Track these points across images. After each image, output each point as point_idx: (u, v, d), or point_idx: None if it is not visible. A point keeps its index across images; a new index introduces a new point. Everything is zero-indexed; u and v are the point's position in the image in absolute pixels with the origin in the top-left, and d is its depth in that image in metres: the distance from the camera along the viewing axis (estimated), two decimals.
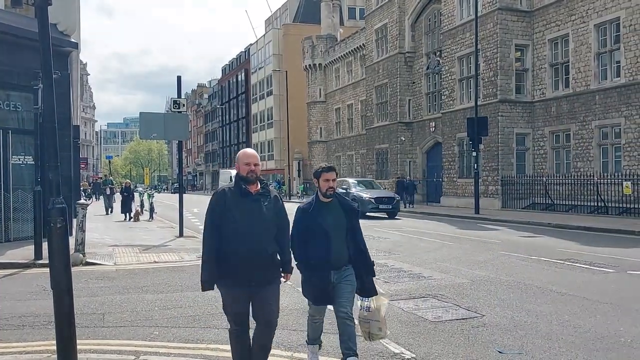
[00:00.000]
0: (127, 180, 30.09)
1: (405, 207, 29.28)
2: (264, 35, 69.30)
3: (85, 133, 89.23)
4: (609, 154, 23.80)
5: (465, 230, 17.90)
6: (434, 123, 34.84)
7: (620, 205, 21.38)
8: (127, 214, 23.99)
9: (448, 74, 31.29)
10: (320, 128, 54.10)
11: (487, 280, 8.97)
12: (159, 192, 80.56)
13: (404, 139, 37.42)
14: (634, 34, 22.32)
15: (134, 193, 26.95)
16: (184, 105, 16.60)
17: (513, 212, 24.68)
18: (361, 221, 5.10)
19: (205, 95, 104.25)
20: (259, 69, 69.33)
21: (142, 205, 25.95)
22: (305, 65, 54.34)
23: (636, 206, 20.93)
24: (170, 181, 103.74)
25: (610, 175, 22.72)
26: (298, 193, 48.38)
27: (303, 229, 4.52)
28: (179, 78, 16.70)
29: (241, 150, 4.22)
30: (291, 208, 4.56)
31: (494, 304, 7.31)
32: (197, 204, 39.06)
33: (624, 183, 21.31)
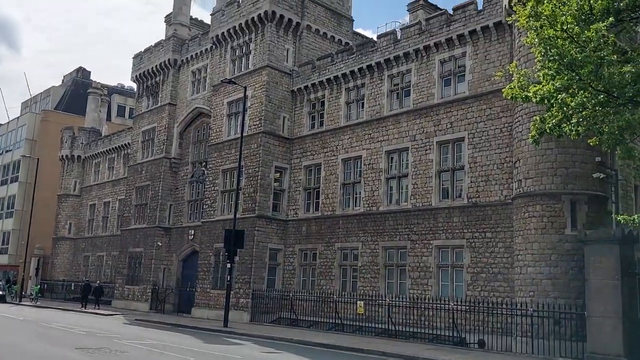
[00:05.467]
0: None
1: (95, 308, 34.65)
2: (18, 117, 63.48)
3: None
4: (348, 274, 26.25)
5: (210, 345, 17.58)
6: (193, 231, 34.71)
7: (355, 323, 23.34)
8: None
9: (211, 185, 31.99)
10: (70, 224, 49.79)
11: None
12: None
13: (160, 244, 36.37)
14: (372, 171, 25.90)
15: None
16: None
17: (260, 326, 25.15)
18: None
19: None
20: (6, 151, 62.46)
21: None
22: (62, 156, 50.67)
23: (368, 325, 23.06)
24: None
25: (347, 295, 24.92)
26: (32, 295, 42.51)
27: None
28: None
29: None
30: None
31: None
32: None
33: (358, 302, 23.49)
